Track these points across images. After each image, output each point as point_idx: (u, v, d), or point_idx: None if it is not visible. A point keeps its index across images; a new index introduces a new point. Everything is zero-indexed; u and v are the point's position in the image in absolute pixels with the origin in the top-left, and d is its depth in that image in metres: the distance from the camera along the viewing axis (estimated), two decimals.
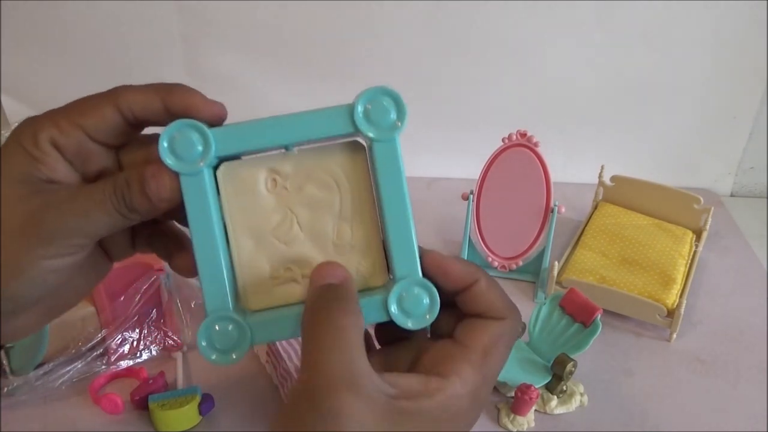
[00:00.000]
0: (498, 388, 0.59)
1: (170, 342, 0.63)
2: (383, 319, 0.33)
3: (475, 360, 0.31)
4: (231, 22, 0.86)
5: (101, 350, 0.60)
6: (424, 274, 0.33)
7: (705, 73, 0.87)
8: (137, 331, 0.62)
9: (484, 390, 0.32)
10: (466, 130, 0.91)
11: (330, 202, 0.33)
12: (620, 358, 0.64)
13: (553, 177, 0.70)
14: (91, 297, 0.60)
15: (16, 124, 0.73)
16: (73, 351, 0.59)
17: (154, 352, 0.62)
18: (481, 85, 0.89)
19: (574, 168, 0.90)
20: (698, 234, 0.78)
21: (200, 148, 0.31)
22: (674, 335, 0.65)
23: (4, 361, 0.57)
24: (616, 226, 0.78)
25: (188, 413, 0.55)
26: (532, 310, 0.62)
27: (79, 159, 0.32)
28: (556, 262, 0.69)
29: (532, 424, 0.57)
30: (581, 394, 0.59)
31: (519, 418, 0.56)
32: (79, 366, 0.59)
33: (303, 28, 0.86)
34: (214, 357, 0.33)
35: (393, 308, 0.32)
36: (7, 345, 0.55)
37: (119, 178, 0.32)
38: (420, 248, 0.33)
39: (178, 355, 0.63)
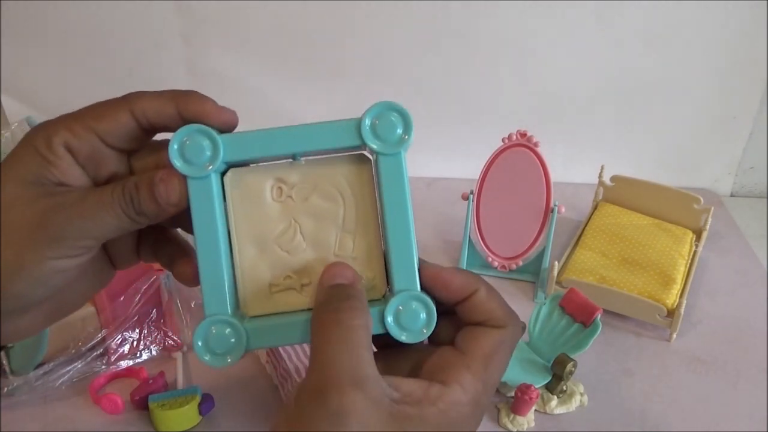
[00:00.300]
0: (498, 388, 0.59)
1: (170, 342, 0.63)
2: (379, 331, 0.33)
3: (476, 368, 0.32)
4: (231, 22, 0.86)
5: (101, 350, 0.60)
6: (423, 287, 0.33)
7: (705, 73, 0.87)
8: (137, 331, 0.62)
9: (485, 397, 0.32)
10: (466, 130, 0.91)
11: (334, 213, 0.34)
12: (620, 358, 0.64)
13: (553, 177, 0.70)
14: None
15: (16, 124, 0.73)
16: (73, 351, 0.59)
17: (154, 352, 0.62)
18: (481, 85, 0.89)
19: (574, 168, 0.90)
20: (698, 234, 0.78)
21: (209, 153, 0.32)
22: (674, 335, 0.65)
23: (4, 361, 0.57)
24: (616, 226, 0.78)
25: (188, 413, 0.55)
26: (532, 310, 0.62)
27: (91, 163, 0.33)
28: (556, 262, 0.69)
29: (532, 424, 0.57)
30: (581, 394, 0.59)
31: (519, 418, 0.56)
32: (79, 366, 0.59)
33: (303, 28, 0.86)
34: (207, 358, 0.33)
35: (389, 321, 0.33)
36: (8, 345, 0.55)
37: (128, 182, 0.32)
38: (419, 260, 0.33)
39: (178, 355, 0.63)
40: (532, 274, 0.74)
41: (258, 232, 0.34)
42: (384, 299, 0.34)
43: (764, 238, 0.84)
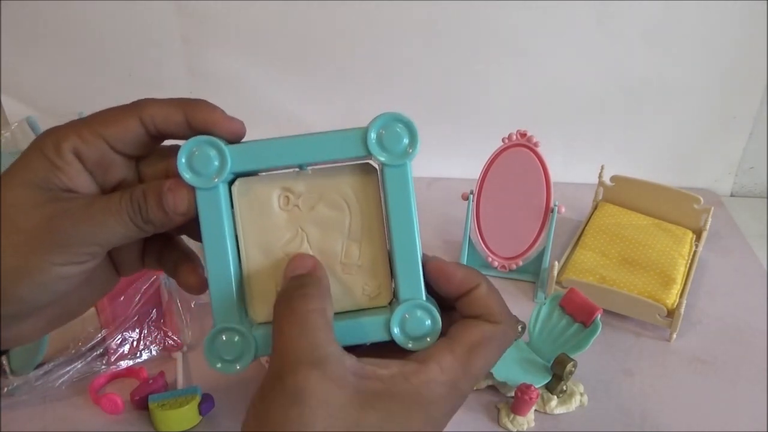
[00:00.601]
0: (498, 388, 0.59)
1: (170, 342, 0.63)
2: (385, 338, 0.33)
3: (459, 352, 0.32)
4: (231, 23, 0.86)
5: (101, 350, 0.60)
6: (426, 280, 0.33)
7: (705, 73, 0.87)
8: (137, 331, 0.62)
9: (465, 384, 0.32)
10: (466, 130, 0.91)
11: (340, 222, 0.34)
12: (620, 358, 0.64)
13: (553, 177, 0.70)
14: None
15: (16, 124, 0.73)
16: (73, 351, 0.59)
17: (154, 352, 0.62)
18: (481, 85, 0.89)
19: (574, 168, 0.90)
20: (698, 234, 0.78)
21: (217, 164, 0.32)
22: (674, 335, 0.65)
23: (4, 361, 0.57)
24: (616, 226, 0.78)
25: (188, 413, 0.55)
26: (532, 310, 0.62)
27: (99, 169, 0.33)
28: (556, 262, 0.69)
29: (532, 424, 0.57)
30: (581, 394, 0.59)
31: (519, 418, 0.56)
32: (79, 366, 0.59)
33: (303, 28, 0.86)
34: (219, 366, 0.34)
35: (396, 330, 0.33)
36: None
37: (136, 190, 0.32)
38: (423, 255, 0.34)
39: (178, 355, 0.63)
40: (532, 274, 0.74)
41: (265, 241, 0.34)
42: (389, 306, 0.35)
43: (764, 238, 0.84)
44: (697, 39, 0.84)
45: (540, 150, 0.69)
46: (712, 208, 0.77)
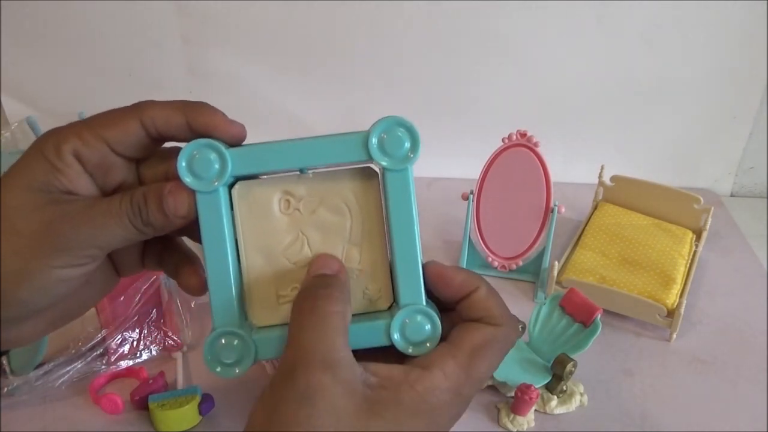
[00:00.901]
0: (498, 388, 0.59)
1: (170, 342, 0.63)
2: (385, 343, 0.33)
3: (461, 357, 0.32)
4: (231, 22, 0.86)
5: (101, 350, 0.60)
6: (426, 284, 0.33)
7: (705, 73, 0.87)
8: (137, 331, 0.62)
9: (468, 388, 0.32)
10: (466, 130, 0.91)
11: (341, 226, 0.34)
12: (620, 358, 0.64)
13: (553, 177, 0.70)
14: None
15: (16, 124, 0.73)
16: (73, 351, 0.59)
17: (154, 352, 0.62)
18: (481, 85, 0.89)
19: (574, 168, 0.90)
20: (698, 234, 0.78)
21: (217, 167, 0.32)
22: (674, 335, 0.65)
23: (4, 361, 0.57)
24: (616, 226, 0.78)
25: (188, 413, 0.55)
26: (532, 310, 0.62)
27: (99, 171, 0.33)
28: (556, 262, 0.69)
29: (532, 424, 0.57)
30: (581, 394, 0.59)
31: (519, 418, 0.56)
32: (79, 366, 0.59)
33: (303, 27, 0.86)
34: (219, 369, 0.34)
35: (396, 336, 0.33)
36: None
37: (137, 193, 0.32)
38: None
39: (178, 355, 0.63)
40: (532, 274, 0.74)
41: (266, 244, 0.34)
42: (389, 311, 0.35)
43: (764, 238, 0.84)
44: (697, 39, 0.84)
45: (540, 150, 0.69)
46: (712, 208, 0.77)
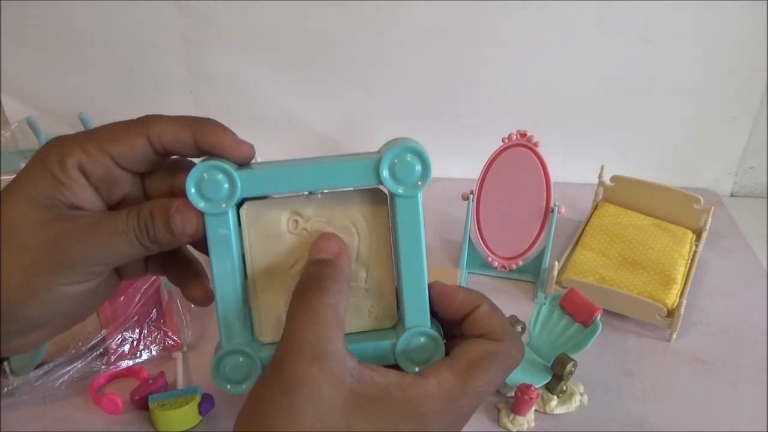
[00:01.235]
0: (498, 388, 0.59)
1: (170, 342, 0.63)
2: (390, 362, 0.34)
3: (458, 368, 0.32)
4: (231, 23, 0.86)
5: (101, 350, 0.60)
6: (430, 304, 0.34)
7: (705, 73, 0.86)
8: (137, 331, 0.62)
9: (464, 401, 0.31)
10: (466, 130, 0.91)
11: (348, 245, 0.34)
12: (620, 358, 0.64)
13: (553, 177, 0.70)
14: None
15: (16, 124, 0.73)
16: (73, 351, 0.59)
17: (154, 352, 0.62)
18: (481, 85, 0.89)
19: (574, 168, 0.90)
20: (698, 234, 0.78)
21: (226, 189, 0.32)
22: (674, 335, 0.65)
23: (4, 362, 0.57)
24: (616, 226, 0.78)
25: (188, 413, 0.55)
26: (532, 310, 0.62)
27: (104, 185, 0.33)
28: (556, 262, 0.69)
29: (532, 424, 0.57)
30: (581, 394, 0.59)
31: (519, 418, 0.56)
32: (79, 366, 0.59)
33: (303, 28, 0.86)
34: (228, 387, 0.34)
35: (401, 357, 0.34)
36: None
37: (143, 210, 0.32)
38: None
39: (178, 355, 0.63)
40: (532, 274, 0.74)
41: (273, 263, 0.34)
42: (394, 330, 0.35)
43: (764, 238, 0.84)
44: (697, 39, 0.84)
45: (540, 150, 0.69)
46: (712, 208, 0.77)
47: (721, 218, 0.86)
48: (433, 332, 0.34)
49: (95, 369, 0.60)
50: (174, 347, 0.63)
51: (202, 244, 0.33)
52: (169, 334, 0.63)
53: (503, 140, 0.71)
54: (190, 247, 0.38)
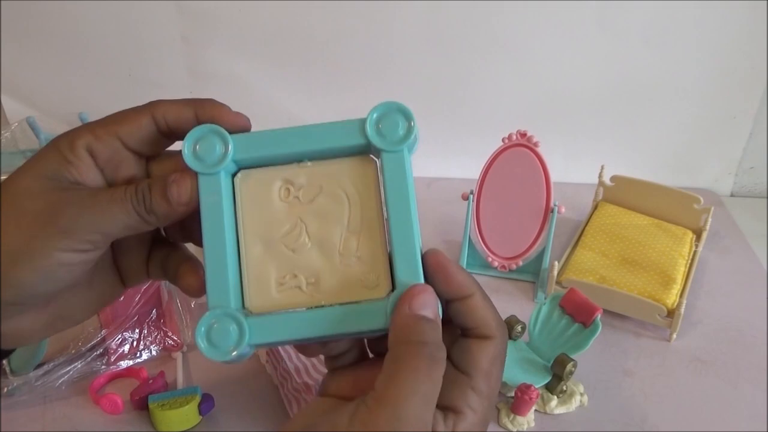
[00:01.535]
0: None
1: (170, 342, 0.63)
2: (382, 325, 0.33)
3: (480, 388, 0.32)
4: (231, 23, 0.86)
5: (101, 350, 0.60)
6: (425, 272, 0.33)
7: (705, 73, 0.87)
8: (137, 331, 0.62)
9: (490, 411, 0.33)
10: (466, 130, 0.91)
11: (339, 213, 0.34)
12: (620, 358, 0.64)
13: (553, 177, 0.70)
14: None
15: (16, 124, 0.74)
16: (73, 351, 0.59)
17: (154, 352, 0.62)
18: (481, 85, 0.89)
19: (574, 168, 0.90)
20: (698, 234, 0.78)
21: (220, 150, 0.33)
22: (674, 335, 0.65)
23: (4, 361, 0.57)
24: (616, 226, 0.78)
25: (188, 413, 0.55)
26: (532, 310, 0.62)
27: (110, 166, 0.34)
28: (556, 262, 0.69)
29: (532, 424, 0.57)
30: (581, 394, 0.59)
31: (519, 418, 0.56)
32: (79, 366, 0.59)
33: (303, 28, 0.86)
34: (208, 350, 0.33)
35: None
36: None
37: (142, 182, 0.34)
38: (431, 249, 0.34)
39: (178, 355, 0.63)
40: (532, 274, 0.74)
41: (265, 231, 0.35)
42: (388, 297, 0.34)
43: (764, 238, 0.84)
44: (697, 39, 0.84)
45: (540, 150, 0.69)
46: (712, 208, 0.77)
47: (721, 218, 0.86)
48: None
49: (95, 369, 0.60)
50: (174, 347, 0.63)
51: (196, 235, 0.34)
52: (169, 334, 0.63)
53: (503, 140, 0.71)
54: (190, 248, 0.38)
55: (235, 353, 0.32)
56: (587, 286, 0.67)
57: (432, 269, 0.33)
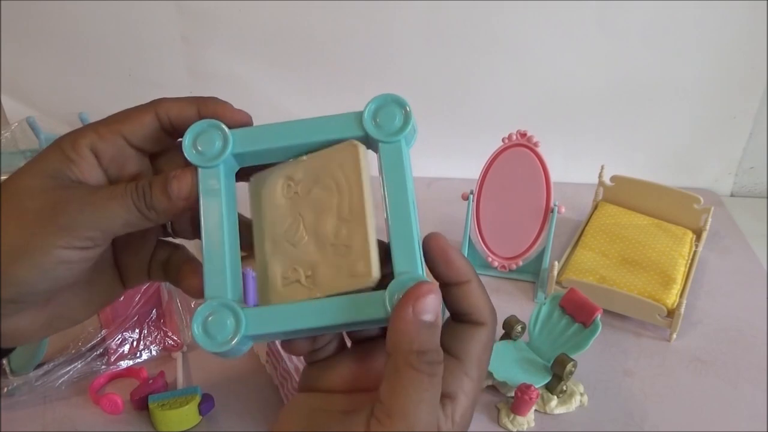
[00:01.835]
0: (498, 388, 0.59)
1: (170, 342, 0.63)
2: (381, 315, 0.32)
3: (472, 373, 0.33)
4: (231, 23, 0.86)
5: (101, 350, 0.60)
6: (425, 256, 0.33)
7: (705, 73, 0.87)
8: (137, 331, 0.62)
9: (479, 395, 0.34)
10: (466, 130, 0.91)
11: (330, 203, 0.34)
12: (620, 358, 0.64)
13: (553, 177, 0.70)
14: None
15: (16, 124, 0.74)
16: (73, 351, 0.59)
17: (154, 352, 0.62)
18: (481, 85, 0.89)
19: (574, 168, 0.90)
20: (698, 234, 0.78)
21: (219, 144, 0.34)
22: (674, 335, 0.65)
23: (4, 361, 0.57)
24: (616, 226, 0.78)
25: (188, 413, 0.55)
26: (532, 310, 0.62)
27: (114, 164, 0.34)
28: (556, 262, 0.69)
29: (532, 424, 0.57)
30: (581, 394, 0.59)
31: (519, 418, 0.56)
32: (79, 366, 0.59)
33: (303, 28, 0.86)
34: (203, 340, 0.33)
35: (389, 308, 0.32)
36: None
37: (143, 180, 0.34)
38: (432, 232, 0.34)
39: (178, 355, 0.63)
40: (532, 274, 0.74)
41: (272, 229, 0.35)
42: (384, 290, 0.34)
43: (764, 238, 0.84)
44: (697, 39, 0.84)
45: (540, 150, 0.69)
46: (712, 208, 0.77)
47: (721, 218, 0.86)
48: (423, 278, 0.32)
49: (95, 369, 0.60)
50: (174, 347, 0.63)
51: (196, 230, 0.34)
52: (169, 334, 0.63)
53: (503, 140, 0.71)
54: (189, 249, 0.38)
55: (232, 343, 0.32)
56: (587, 286, 0.67)
57: (432, 253, 0.33)
